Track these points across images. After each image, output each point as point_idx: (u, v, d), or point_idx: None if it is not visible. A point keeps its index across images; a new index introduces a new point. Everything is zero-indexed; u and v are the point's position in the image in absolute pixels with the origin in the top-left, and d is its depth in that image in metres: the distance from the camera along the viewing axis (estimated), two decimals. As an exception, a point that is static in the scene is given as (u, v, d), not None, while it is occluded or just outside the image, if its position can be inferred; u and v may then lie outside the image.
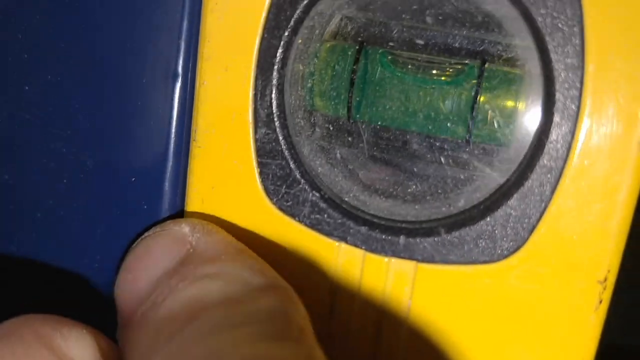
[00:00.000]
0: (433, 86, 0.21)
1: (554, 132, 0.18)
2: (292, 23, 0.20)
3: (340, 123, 0.22)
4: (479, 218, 0.19)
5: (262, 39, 0.20)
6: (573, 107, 0.18)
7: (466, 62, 0.20)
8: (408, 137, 0.21)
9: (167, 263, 0.20)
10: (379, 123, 0.21)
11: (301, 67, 0.21)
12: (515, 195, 0.19)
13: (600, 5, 0.18)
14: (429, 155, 0.21)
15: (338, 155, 0.22)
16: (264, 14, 0.20)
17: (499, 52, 0.20)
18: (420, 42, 0.21)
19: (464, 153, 0.21)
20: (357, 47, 0.21)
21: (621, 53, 0.18)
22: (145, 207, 0.24)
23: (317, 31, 0.21)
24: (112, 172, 0.24)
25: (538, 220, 0.19)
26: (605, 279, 0.19)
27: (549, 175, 0.19)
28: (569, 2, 0.18)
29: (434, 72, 0.21)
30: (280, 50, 0.20)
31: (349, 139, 0.22)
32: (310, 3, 0.19)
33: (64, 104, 0.24)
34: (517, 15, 0.19)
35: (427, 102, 0.21)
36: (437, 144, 0.21)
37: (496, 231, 0.19)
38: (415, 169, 0.22)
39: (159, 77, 0.23)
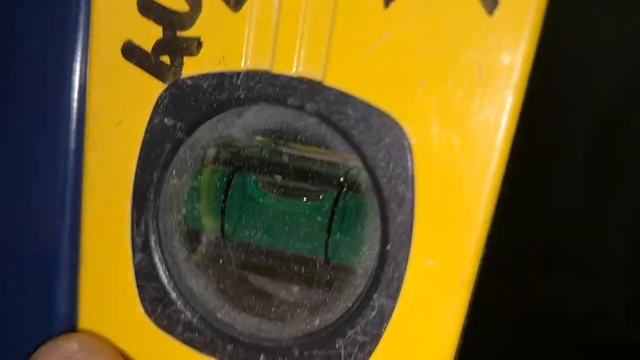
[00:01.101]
0: (296, 210, 0.23)
1: (388, 264, 0.20)
2: (161, 161, 0.22)
3: (214, 245, 0.24)
4: (327, 340, 0.21)
5: (136, 175, 0.22)
6: (405, 238, 0.20)
7: (326, 188, 0.23)
8: (274, 257, 0.23)
9: None
10: (250, 242, 0.24)
11: (177, 195, 0.23)
12: (357, 320, 0.21)
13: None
14: (290, 275, 0.23)
15: (211, 275, 0.24)
16: (137, 153, 0.22)
17: (355, 176, 0.22)
18: (286, 169, 0.23)
19: (320, 273, 0.23)
20: (229, 173, 0.23)
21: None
22: (38, 317, 0.26)
23: (189, 163, 0.23)
24: (6, 281, 0.26)
25: (376, 345, 0.20)
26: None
27: (386, 301, 0.20)
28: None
29: (297, 197, 0.23)
30: (152, 184, 0.22)
31: (221, 259, 0.24)
32: (176, 144, 0.22)
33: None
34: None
35: (291, 224, 0.23)
36: (299, 264, 0.23)
37: (341, 353, 0.21)
38: (279, 288, 0.23)
39: (48, 203, 0.25)
